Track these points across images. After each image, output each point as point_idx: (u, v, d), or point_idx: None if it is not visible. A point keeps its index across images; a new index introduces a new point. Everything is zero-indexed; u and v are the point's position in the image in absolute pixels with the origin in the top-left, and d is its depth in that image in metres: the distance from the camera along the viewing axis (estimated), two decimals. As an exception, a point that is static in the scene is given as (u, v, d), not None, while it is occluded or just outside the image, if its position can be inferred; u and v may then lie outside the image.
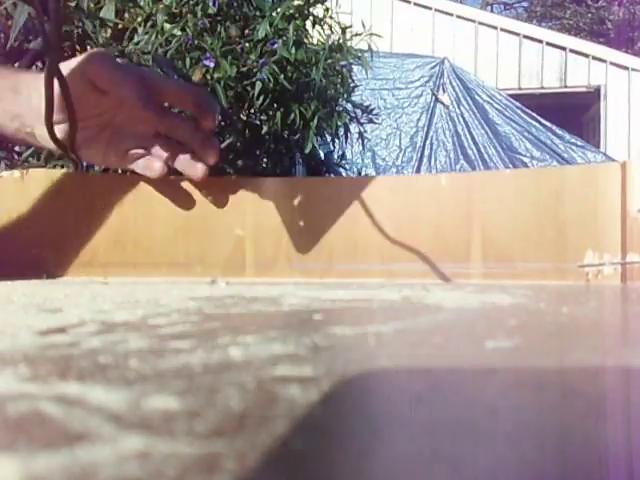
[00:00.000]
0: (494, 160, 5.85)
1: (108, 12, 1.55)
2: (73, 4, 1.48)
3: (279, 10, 1.69)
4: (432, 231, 1.03)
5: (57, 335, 0.37)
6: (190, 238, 1.06)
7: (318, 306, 0.55)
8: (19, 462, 0.17)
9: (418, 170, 5.78)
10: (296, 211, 1.07)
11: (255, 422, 0.21)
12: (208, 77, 1.55)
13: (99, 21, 1.52)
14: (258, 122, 1.73)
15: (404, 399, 0.25)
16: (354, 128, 2.21)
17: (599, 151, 6.26)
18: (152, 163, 0.97)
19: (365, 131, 2.24)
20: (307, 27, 1.87)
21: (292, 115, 1.68)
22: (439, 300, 0.61)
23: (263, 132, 1.73)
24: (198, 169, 0.96)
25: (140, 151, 0.97)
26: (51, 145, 0.85)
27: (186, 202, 1.06)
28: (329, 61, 1.83)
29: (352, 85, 2.11)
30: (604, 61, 7.21)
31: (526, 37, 7.43)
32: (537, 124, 6.02)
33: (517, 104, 6.12)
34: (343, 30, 1.98)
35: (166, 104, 1.01)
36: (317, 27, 1.96)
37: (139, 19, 1.67)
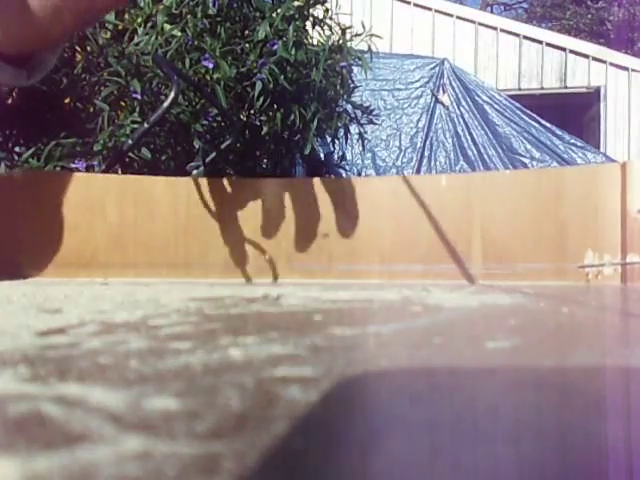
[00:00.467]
0: (494, 161, 5.85)
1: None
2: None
3: (279, 11, 1.69)
4: (432, 231, 1.03)
5: (57, 336, 0.37)
6: (190, 238, 1.06)
7: (318, 306, 0.55)
8: (19, 462, 0.17)
9: (418, 171, 5.78)
10: (296, 211, 1.07)
11: (255, 422, 0.21)
12: (208, 78, 1.55)
13: (99, 22, 1.52)
14: (258, 123, 1.73)
15: (404, 399, 0.25)
16: (354, 129, 2.21)
17: (599, 152, 6.25)
18: None
19: (365, 132, 2.24)
20: (307, 28, 1.87)
21: (292, 116, 1.68)
22: (439, 300, 0.61)
23: (263, 133, 1.73)
24: None
25: None
26: None
27: (186, 202, 1.06)
28: (329, 62, 1.83)
29: (352, 86, 2.11)
30: (604, 62, 7.21)
31: (526, 38, 7.43)
32: (537, 125, 6.01)
33: (517, 105, 6.11)
34: (343, 31, 1.98)
35: None
36: (317, 28, 1.96)
37: (139, 20, 1.67)
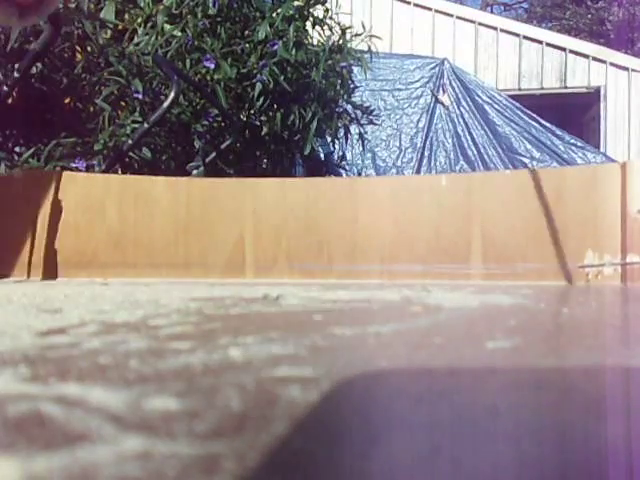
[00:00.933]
0: (494, 161, 5.85)
1: (108, 13, 1.55)
2: (73, 5, 1.49)
3: (279, 11, 1.69)
4: (432, 231, 1.03)
5: (57, 336, 0.37)
6: (190, 238, 1.06)
7: (318, 306, 0.55)
8: (19, 462, 0.17)
9: (418, 171, 5.77)
10: (296, 211, 1.07)
11: (255, 422, 0.21)
12: (208, 78, 1.55)
13: (99, 22, 1.52)
14: (258, 123, 1.73)
15: (404, 399, 0.25)
16: (354, 129, 2.21)
17: (599, 152, 6.25)
18: None
19: (365, 132, 2.24)
20: (307, 28, 1.87)
21: (292, 116, 1.68)
22: (439, 300, 0.61)
23: (263, 133, 1.73)
24: None
25: None
26: None
27: (186, 202, 1.06)
28: (329, 62, 1.83)
29: (352, 86, 2.11)
30: (604, 62, 7.20)
31: (526, 38, 7.42)
32: (537, 125, 6.01)
33: (517, 105, 6.11)
34: (343, 31, 1.98)
35: None
36: (317, 28, 1.96)
37: (139, 20, 1.67)
